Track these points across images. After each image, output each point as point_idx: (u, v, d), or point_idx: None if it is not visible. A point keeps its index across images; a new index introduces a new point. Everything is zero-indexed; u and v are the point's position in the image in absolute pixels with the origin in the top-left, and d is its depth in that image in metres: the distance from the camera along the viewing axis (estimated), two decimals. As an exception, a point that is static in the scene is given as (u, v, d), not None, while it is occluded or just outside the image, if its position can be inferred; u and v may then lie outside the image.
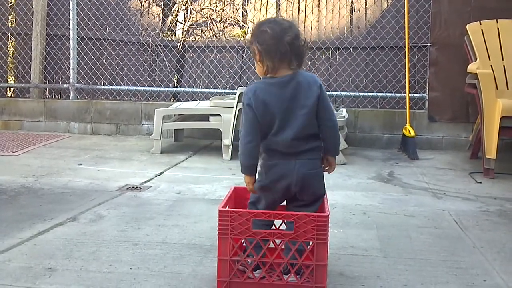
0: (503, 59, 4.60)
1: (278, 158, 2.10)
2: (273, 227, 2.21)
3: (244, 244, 2.15)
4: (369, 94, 5.59)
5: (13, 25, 6.48)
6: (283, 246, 2.07)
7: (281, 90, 2.07)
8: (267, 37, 2.05)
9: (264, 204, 2.17)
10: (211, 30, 6.19)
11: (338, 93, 5.65)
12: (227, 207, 2.17)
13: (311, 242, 2.01)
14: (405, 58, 5.19)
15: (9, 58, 6.51)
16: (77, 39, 6.05)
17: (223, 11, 6.19)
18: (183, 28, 6.24)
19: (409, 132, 4.94)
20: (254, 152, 2.10)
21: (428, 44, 5.38)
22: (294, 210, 2.10)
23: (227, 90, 5.78)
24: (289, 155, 2.09)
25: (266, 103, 2.06)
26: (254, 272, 2.05)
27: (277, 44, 2.03)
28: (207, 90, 5.88)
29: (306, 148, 2.09)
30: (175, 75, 6.18)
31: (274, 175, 2.10)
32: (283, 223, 2.26)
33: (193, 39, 6.18)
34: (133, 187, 3.69)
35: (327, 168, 2.21)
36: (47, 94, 6.36)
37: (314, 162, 2.13)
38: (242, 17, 6.22)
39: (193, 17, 6.22)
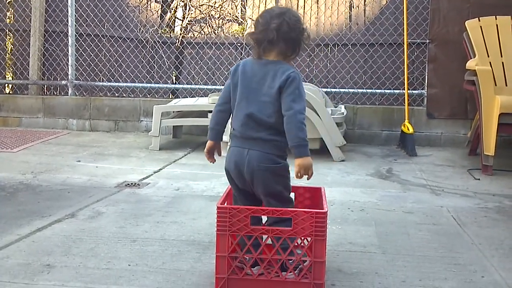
0: (501, 56, 4.60)
1: (235, 144, 2.12)
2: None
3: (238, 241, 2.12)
4: (368, 90, 5.59)
5: (11, 21, 6.46)
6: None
7: (258, 68, 2.10)
8: (258, 25, 2.09)
9: (237, 197, 2.19)
10: (209, 26, 6.18)
11: (337, 90, 5.65)
12: (226, 203, 2.17)
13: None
14: (403, 55, 5.19)
15: (7, 54, 6.50)
16: (76, 35, 6.04)
17: (221, 7, 6.18)
18: (181, 25, 6.23)
19: (408, 129, 4.94)
20: (218, 117, 2.17)
21: (427, 41, 5.37)
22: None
23: (226, 87, 5.76)
24: (243, 141, 2.08)
25: (241, 74, 2.11)
26: (252, 268, 2.04)
27: (265, 31, 2.06)
28: (205, 86, 5.88)
29: (259, 137, 2.05)
30: (173, 72, 6.18)
31: (229, 161, 2.13)
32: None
33: (192, 35, 6.17)
34: (131, 183, 3.69)
35: (298, 173, 2.04)
36: (45, 90, 6.35)
37: (268, 156, 2.05)
38: (241, 13, 6.22)
39: (191, 14, 6.21)
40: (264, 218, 2.14)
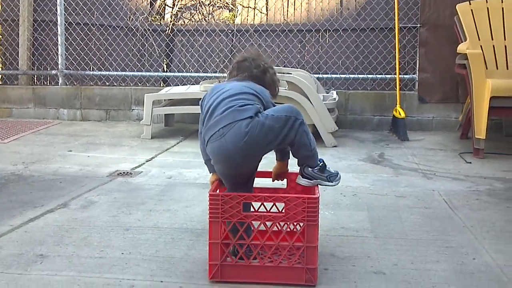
0: (492, 39, 4.60)
1: None
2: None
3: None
4: (359, 76, 5.58)
5: (-1, 11, 6.39)
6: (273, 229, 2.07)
7: None
8: None
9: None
10: (200, 13, 6.14)
11: (329, 76, 5.64)
12: (217, 191, 2.17)
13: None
14: (395, 40, 5.18)
15: (-4, 44, 6.44)
16: (65, 24, 5.99)
17: (211, -6, 6.13)
18: (171, 12, 6.18)
19: (399, 114, 4.95)
20: None
21: (418, 25, 5.37)
22: None
23: (217, 74, 5.75)
24: None
25: None
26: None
27: None
28: (197, 74, 5.85)
29: None
30: (164, 60, 6.14)
31: None
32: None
33: (182, 22, 6.13)
34: (123, 172, 3.68)
35: None
36: (35, 80, 6.30)
37: None
38: (231, 0, 6.17)
39: (181, 1, 6.16)
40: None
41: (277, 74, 2.33)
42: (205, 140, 2.10)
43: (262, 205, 2.27)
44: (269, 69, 2.28)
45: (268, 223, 2.04)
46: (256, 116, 2.01)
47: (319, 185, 2.16)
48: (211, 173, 2.26)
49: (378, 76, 5.55)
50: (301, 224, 2.01)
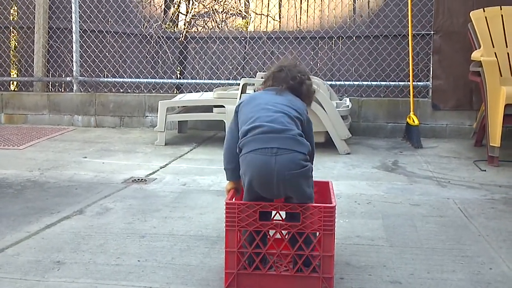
0: (507, 46, 4.58)
1: None
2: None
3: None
4: (373, 83, 5.58)
5: (15, 19, 6.47)
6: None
7: None
8: None
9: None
10: (213, 20, 6.17)
11: (342, 83, 5.65)
12: (233, 199, 2.18)
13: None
14: (408, 47, 5.18)
15: (11, 51, 6.51)
16: (80, 31, 6.05)
17: (225, 1, 6.17)
18: (185, 19, 6.23)
19: (413, 121, 4.93)
20: None
21: (432, 32, 5.35)
22: None
23: (230, 81, 5.77)
24: None
25: None
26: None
27: None
28: (210, 81, 5.88)
29: None
30: (178, 67, 6.18)
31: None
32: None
33: (196, 30, 6.17)
34: (138, 179, 3.70)
35: None
36: (50, 87, 6.37)
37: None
38: (245, 7, 6.21)
39: (195, 8, 6.20)
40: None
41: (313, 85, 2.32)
42: (246, 150, 2.04)
43: (278, 214, 2.27)
44: (306, 81, 2.26)
45: (284, 232, 2.05)
46: (308, 158, 2.05)
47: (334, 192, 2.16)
48: (228, 181, 2.25)
49: (391, 83, 5.54)
50: (317, 233, 2.01)
